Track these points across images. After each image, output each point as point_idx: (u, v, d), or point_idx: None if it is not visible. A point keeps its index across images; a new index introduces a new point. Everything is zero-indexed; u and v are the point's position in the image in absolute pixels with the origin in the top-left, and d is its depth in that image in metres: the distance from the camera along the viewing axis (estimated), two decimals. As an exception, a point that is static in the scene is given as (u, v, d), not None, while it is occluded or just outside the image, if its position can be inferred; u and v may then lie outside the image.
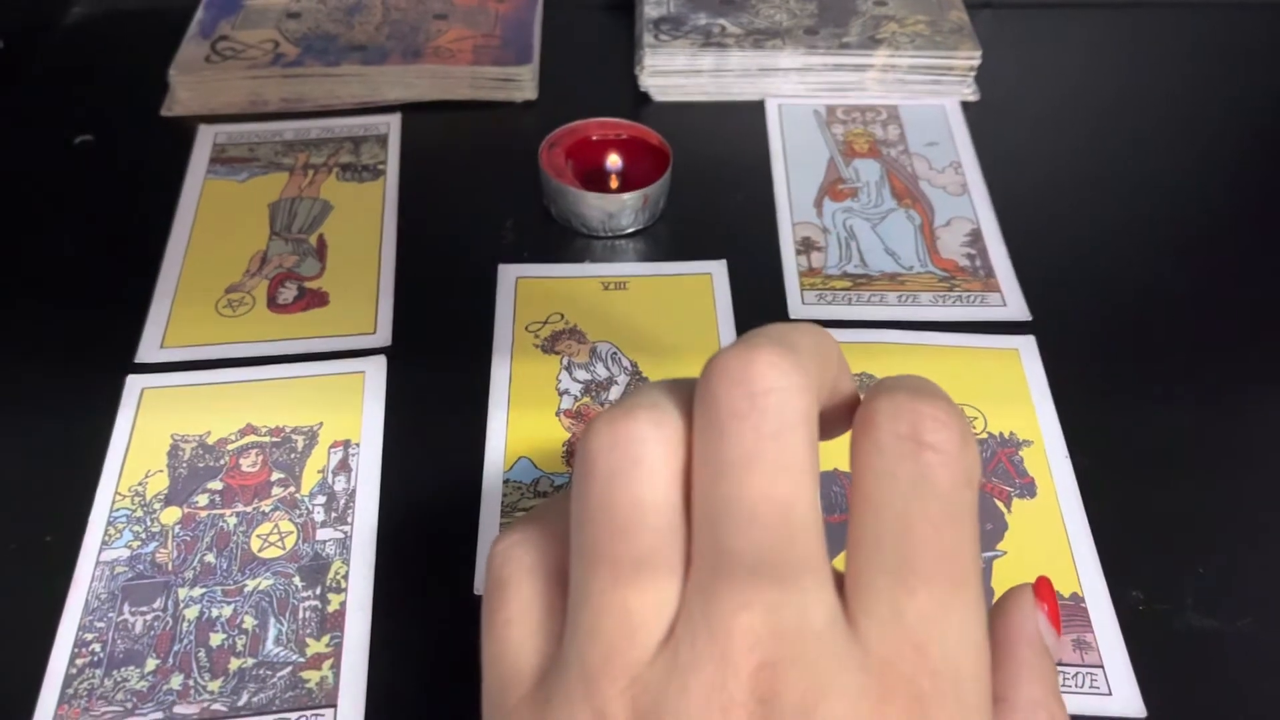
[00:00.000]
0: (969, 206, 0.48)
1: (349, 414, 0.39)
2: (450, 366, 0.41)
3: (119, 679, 0.32)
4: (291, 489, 0.37)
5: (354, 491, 0.37)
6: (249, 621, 0.34)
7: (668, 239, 0.47)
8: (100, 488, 0.37)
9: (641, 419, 0.18)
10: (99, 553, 0.35)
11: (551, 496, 0.36)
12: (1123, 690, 0.33)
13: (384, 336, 0.42)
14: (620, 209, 0.45)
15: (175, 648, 0.33)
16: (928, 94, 0.53)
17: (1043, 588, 0.22)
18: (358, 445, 0.38)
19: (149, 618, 0.34)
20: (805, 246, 0.46)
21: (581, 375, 0.41)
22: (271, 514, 0.37)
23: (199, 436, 0.39)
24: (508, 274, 0.45)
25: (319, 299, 0.44)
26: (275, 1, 0.56)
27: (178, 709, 0.32)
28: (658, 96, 0.53)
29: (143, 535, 0.36)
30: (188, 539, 0.36)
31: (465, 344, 0.42)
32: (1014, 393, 0.41)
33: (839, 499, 0.37)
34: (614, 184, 0.47)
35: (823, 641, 0.17)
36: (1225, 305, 0.44)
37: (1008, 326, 0.43)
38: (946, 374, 0.41)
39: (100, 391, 0.40)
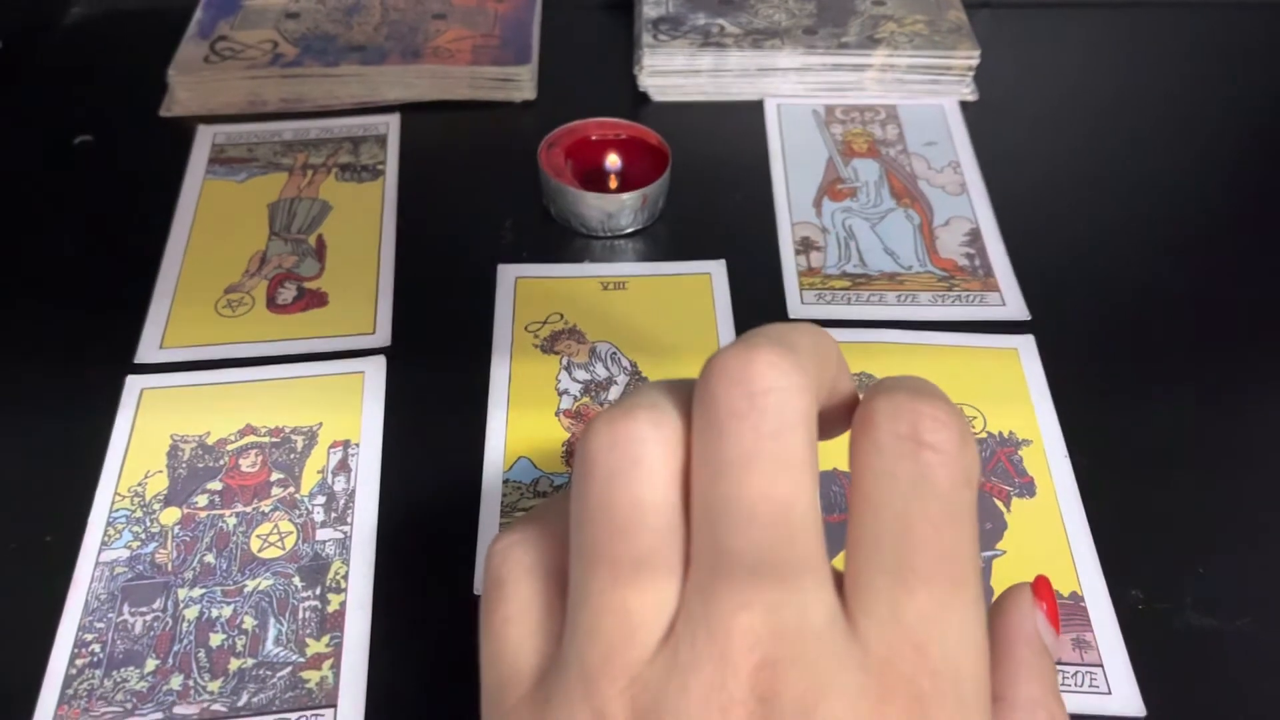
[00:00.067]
0: (968, 206, 0.48)
1: (348, 414, 0.39)
2: (450, 366, 0.41)
3: (119, 679, 0.32)
4: (291, 489, 0.37)
5: (353, 492, 0.37)
6: (249, 622, 0.34)
7: (667, 239, 0.47)
8: (100, 488, 0.37)
9: (641, 419, 0.18)
10: (98, 553, 0.35)
11: (551, 496, 0.36)
12: (1122, 689, 0.33)
13: (383, 336, 0.42)
14: (619, 209, 0.45)
15: (175, 648, 0.33)
16: (926, 94, 0.53)
17: (1041, 587, 0.22)
18: (357, 445, 0.38)
19: (149, 618, 0.34)
20: (804, 246, 0.46)
21: (581, 375, 0.41)
22: (271, 514, 0.37)
23: (198, 437, 0.39)
24: (507, 274, 0.45)
25: (318, 299, 0.44)
26: (274, 2, 0.56)
27: (177, 709, 0.32)
28: (656, 96, 0.53)
29: (142, 536, 0.36)
30: (187, 539, 0.36)
31: (465, 344, 0.42)
32: (1013, 392, 0.41)
33: (839, 499, 0.37)
34: (613, 184, 0.47)
35: (822, 641, 0.17)
36: (1224, 305, 0.44)
37: (1007, 326, 0.43)
38: (945, 373, 0.41)
39: (100, 392, 0.40)
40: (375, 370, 0.41)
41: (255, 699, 0.32)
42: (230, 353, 0.41)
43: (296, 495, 0.37)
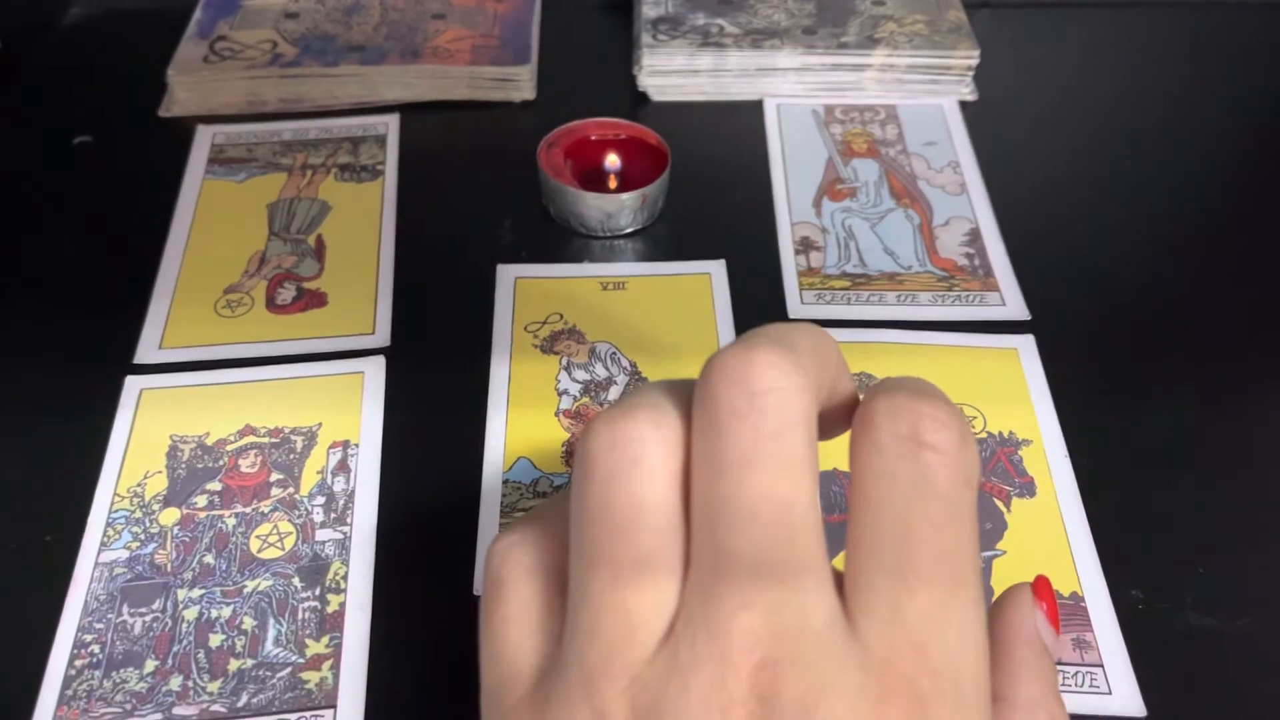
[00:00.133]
0: (967, 206, 0.48)
1: (348, 414, 0.39)
2: (449, 367, 0.41)
3: (118, 680, 0.32)
4: (290, 490, 0.37)
5: (353, 492, 0.37)
6: (248, 622, 0.34)
7: (666, 239, 0.47)
8: (99, 488, 0.37)
9: (640, 419, 0.18)
10: (98, 554, 0.35)
11: (550, 497, 0.36)
12: (1122, 689, 0.33)
13: (383, 337, 0.42)
14: (619, 209, 0.45)
15: (174, 649, 0.33)
16: (926, 94, 0.53)
17: (1041, 587, 0.22)
18: (357, 446, 0.38)
19: (148, 619, 0.34)
20: (804, 246, 0.46)
21: (580, 375, 0.41)
22: (270, 515, 0.37)
23: (198, 437, 0.39)
24: (506, 274, 0.45)
25: (318, 299, 0.44)
26: (273, 2, 0.56)
27: (177, 710, 0.32)
28: (656, 96, 0.53)
29: (142, 536, 0.36)
30: (187, 540, 0.36)
31: (464, 344, 0.42)
32: (1013, 392, 0.41)
33: (839, 499, 0.37)
34: (612, 184, 0.47)
35: (823, 641, 0.17)
36: (1224, 304, 0.44)
37: (1007, 326, 0.43)
38: (945, 373, 0.41)
39: (99, 392, 0.40)
40: (375, 370, 0.41)
41: (255, 700, 0.32)
42: (229, 353, 0.41)
43: (296, 496, 0.37)
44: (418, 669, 0.33)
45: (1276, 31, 0.59)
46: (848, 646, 0.17)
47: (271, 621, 0.34)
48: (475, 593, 0.35)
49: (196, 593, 0.34)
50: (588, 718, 0.17)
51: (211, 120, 0.52)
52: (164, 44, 0.54)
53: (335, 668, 0.33)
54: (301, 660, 0.33)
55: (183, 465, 0.38)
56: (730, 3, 0.55)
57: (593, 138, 0.48)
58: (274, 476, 0.38)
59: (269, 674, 0.33)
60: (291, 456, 0.38)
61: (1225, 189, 0.50)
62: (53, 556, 0.35)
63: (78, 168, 0.49)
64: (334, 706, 0.32)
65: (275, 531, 0.36)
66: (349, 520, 0.36)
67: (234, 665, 0.33)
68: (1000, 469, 0.38)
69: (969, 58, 0.53)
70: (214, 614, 0.34)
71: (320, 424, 0.39)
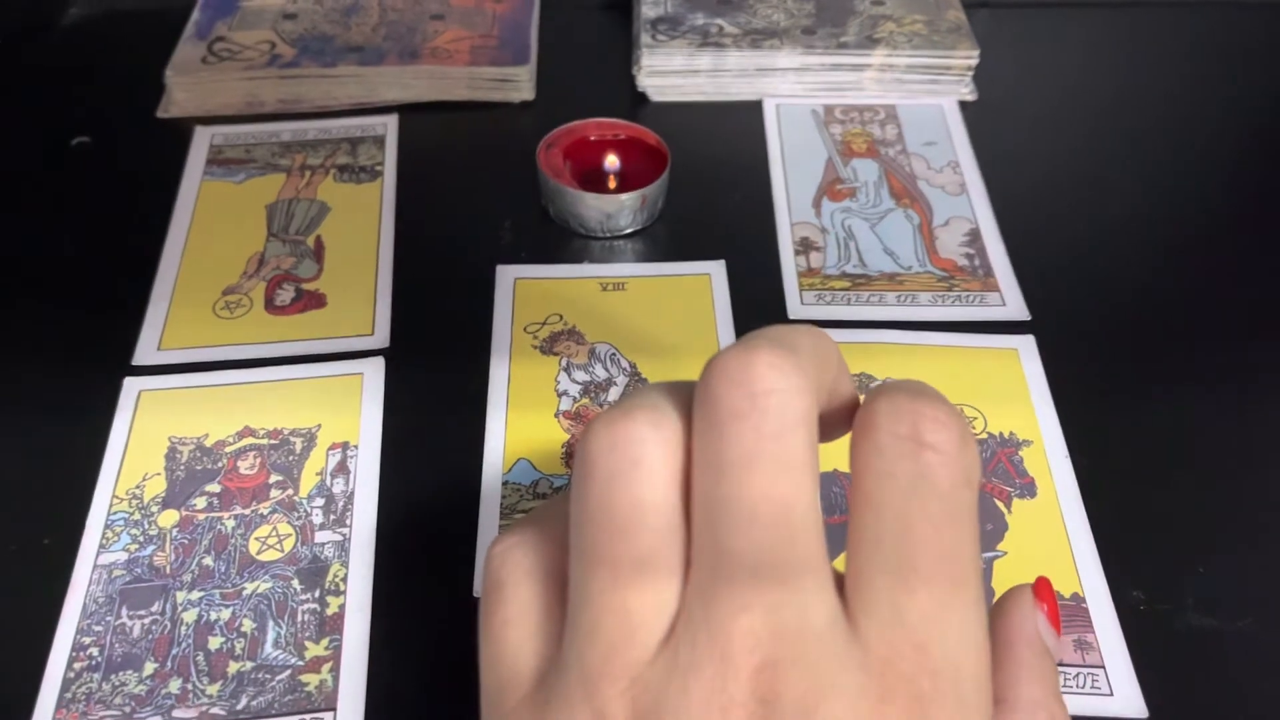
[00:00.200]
0: (967, 206, 0.48)
1: (347, 416, 0.39)
2: (449, 368, 0.41)
3: (117, 683, 0.32)
4: (290, 491, 0.37)
5: (352, 494, 0.37)
6: (248, 625, 0.34)
7: (666, 239, 0.47)
8: (98, 490, 0.37)
9: (640, 420, 0.18)
10: (96, 556, 0.35)
11: (550, 499, 0.36)
12: (1124, 690, 0.33)
13: (382, 338, 0.42)
14: (618, 209, 0.45)
15: (173, 651, 0.33)
16: (925, 93, 0.53)
17: (1042, 588, 0.22)
18: (356, 447, 0.38)
19: (147, 621, 0.34)
20: (804, 246, 0.46)
21: (580, 376, 0.41)
22: (270, 516, 0.36)
23: (197, 439, 0.39)
24: (506, 275, 0.45)
25: (317, 300, 0.43)
26: (272, 2, 0.56)
27: (176, 713, 0.32)
28: (655, 97, 0.53)
29: (140, 538, 0.36)
30: (186, 542, 0.36)
31: (463, 345, 0.42)
32: (1013, 393, 0.41)
33: (839, 499, 0.37)
34: (612, 184, 0.47)
35: (823, 642, 0.17)
36: (1224, 304, 0.44)
37: (1007, 326, 0.43)
38: (946, 374, 0.41)
39: (98, 393, 0.40)
40: (374, 372, 0.41)
41: (254, 702, 0.32)
42: (228, 354, 0.41)
43: (295, 497, 0.37)
44: (418, 671, 0.33)
45: (1276, 31, 0.59)
46: (848, 647, 0.17)
47: (271, 624, 0.34)
48: (475, 595, 0.35)
49: (195, 595, 0.34)
50: (588, 718, 0.17)
51: (210, 121, 0.52)
52: (163, 44, 0.54)
53: (335, 670, 0.33)
54: (301, 662, 0.33)
55: (181, 467, 0.38)
56: (730, 3, 0.55)
57: (592, 138, 0.48)
58: (273, 478, 0.37)
59: (268, 676, 0.33)
60: (290, 458, 0.38)
61: (1225, 189, 0.50)
62: (51, 559, 0.35)
63: (76, 168, 0.49)
64: (334, 709, 0.32)
65: (274, 533, 0.36)
66: (348, 522, 0.36)
67: (233, 668, 0.33)
68: (1001, 469, 0.38)
69: (968, 58, 0.53)
70: (213, 616, 0.34)
71: (319, 425, 0.39)
